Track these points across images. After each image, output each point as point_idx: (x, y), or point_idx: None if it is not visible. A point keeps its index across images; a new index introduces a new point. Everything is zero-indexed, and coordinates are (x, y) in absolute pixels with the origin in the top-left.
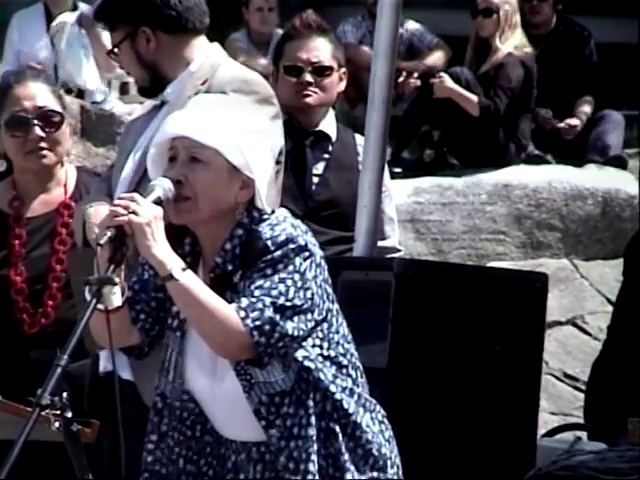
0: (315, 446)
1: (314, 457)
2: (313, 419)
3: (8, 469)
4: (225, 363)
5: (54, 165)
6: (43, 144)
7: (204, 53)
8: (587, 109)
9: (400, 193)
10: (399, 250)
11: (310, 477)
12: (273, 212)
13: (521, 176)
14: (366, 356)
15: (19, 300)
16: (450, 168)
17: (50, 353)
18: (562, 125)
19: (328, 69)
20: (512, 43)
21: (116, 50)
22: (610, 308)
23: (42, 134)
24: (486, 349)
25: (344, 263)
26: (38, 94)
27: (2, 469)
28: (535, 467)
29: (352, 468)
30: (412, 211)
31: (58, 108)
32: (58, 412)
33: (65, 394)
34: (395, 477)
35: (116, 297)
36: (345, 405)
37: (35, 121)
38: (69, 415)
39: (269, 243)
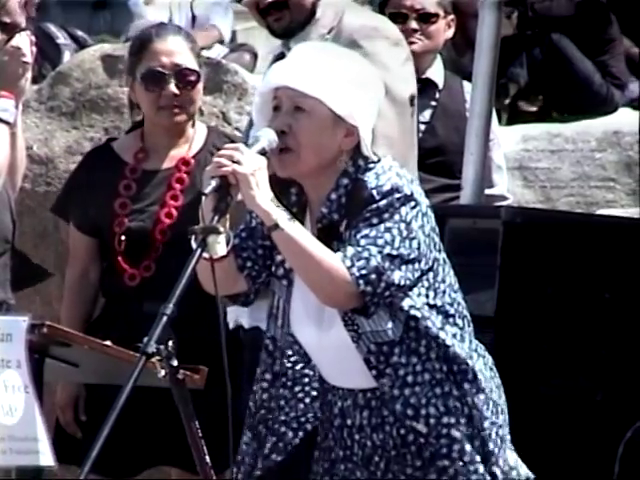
0: (437, 390)
1: (434, 400)
2: (428, 365)
3: (116, 415)
4: (332, 313)
5: (185, 123)
6: (176, 102)
7: None
8: None
9: (508, 140)
10: (507, 198)
11: (433, 421)
12: (379, 160)
13: (632, 122)
14: (474, 304)
15: (118, 250)
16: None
17: (156, 305)
18: None
19: (434, 16)
20: None
21: None
22: None
23: (177, 92)
24: (595, 297)
25: (451, 211)
26: (177, 50)
27: (110, 415)
28: None
29: (483, 410)
30: (520, 158)
31: (195, 66)
32: (164, 360)
33: (171, 342)
34: (504, 424)
35: (220, 246)
36: (458, 351)
37: (171, 78)
38: (175, 363)
39: (374, 192)
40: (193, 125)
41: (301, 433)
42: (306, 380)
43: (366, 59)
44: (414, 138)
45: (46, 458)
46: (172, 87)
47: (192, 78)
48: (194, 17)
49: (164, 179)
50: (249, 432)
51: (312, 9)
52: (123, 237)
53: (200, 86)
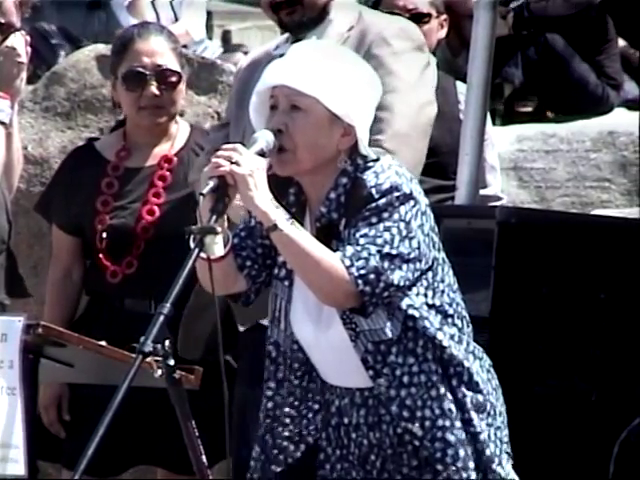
0: (432, 392)
1: (429, 403)
2: (424, 366)
3: (112, 415)
4: (331, 312)
5: (166, 123)
6: (157, 102)
7: None
8: None
9: (503, 141)
10: (501, 198)
11: (428, 423)
12: (378, 159)
13: (627, 123)
14: (469, 304)
15: (100, 248)
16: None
17: (137, 302)
18: None
19: (426, 16)
20: None
21: None
22: None
23: (157, 92)
24: (590, 297)
25: (446, 211)
26: (158, 51)
27: (106, 415)
28: None
29: (479, 412)
30: (515, 159)
31: (177, 67)
32: (160, 360)
33: (167, 342)
34: (502, 425)
35: (218, 247)
36: (454, 352)
37: (152, 79)
38: (171, 363)
39: (373, 191)
40: (176, 123)
41: (302, 446)
42: (310, 395)
43: (392, 57)
44: (426, 141)
45: (18, 467)
46: (153, 88)
47: (173, 79)
48: (176, 16)
49: (146, 177)
50: (258, 446)
51: (324, 8)
52: (104, 234)
53: (182, 87)
